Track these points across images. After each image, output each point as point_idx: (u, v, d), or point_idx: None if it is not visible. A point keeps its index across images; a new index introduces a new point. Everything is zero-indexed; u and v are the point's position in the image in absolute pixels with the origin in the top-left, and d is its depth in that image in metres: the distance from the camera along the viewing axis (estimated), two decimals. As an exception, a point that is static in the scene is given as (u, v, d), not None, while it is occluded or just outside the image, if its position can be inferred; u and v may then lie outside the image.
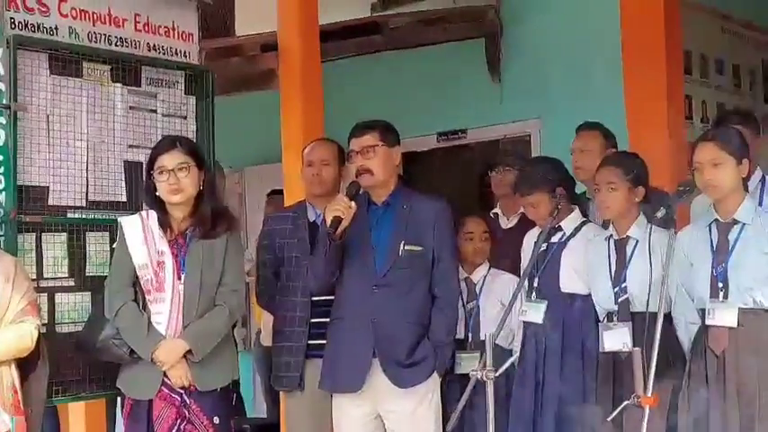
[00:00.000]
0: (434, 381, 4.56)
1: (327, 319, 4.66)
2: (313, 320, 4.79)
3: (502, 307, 4.86)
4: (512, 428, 4.63)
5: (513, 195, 5.49)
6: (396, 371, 4.47)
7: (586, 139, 5.13)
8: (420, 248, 4.53)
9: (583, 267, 4.61)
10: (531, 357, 4.66)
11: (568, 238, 4.70)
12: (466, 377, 4.65)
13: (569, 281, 4.62)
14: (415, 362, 4.49)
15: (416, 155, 7.70)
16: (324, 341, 4.67)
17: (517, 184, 4.85)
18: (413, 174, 7.35)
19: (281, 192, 7.02)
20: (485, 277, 5.01)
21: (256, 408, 8.17)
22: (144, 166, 4.67)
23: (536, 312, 4.64)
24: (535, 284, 4.68)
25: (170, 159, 4.36)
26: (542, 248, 4.64)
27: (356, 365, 4.49)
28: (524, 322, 4.72)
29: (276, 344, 4.98)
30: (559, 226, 4.70)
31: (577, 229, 4.71)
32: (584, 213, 4.87)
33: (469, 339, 4.91)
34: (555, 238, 4.70)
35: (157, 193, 4.39)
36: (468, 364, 4.78)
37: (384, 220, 4.60)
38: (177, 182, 4.34)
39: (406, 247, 4.52)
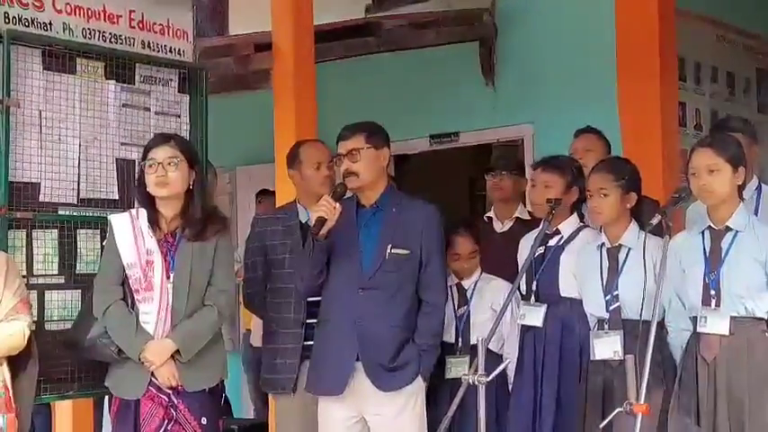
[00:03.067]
0: (418, 385, 4.53)
1: (320, 321, 4.66)
2: (308, 321, 4.76)
3: (493, 312, 4.86)
4: (511, 431, 4.64)
5: (508, 200, 5.52)
6: (379, 374, 4.45)
7: (589, 140, 5.18)
8: (407, 252, 4.52)
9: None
10: (529, 361, 4.66)
11: (566, 242, 4.70)
12: (455, 382, 4.66)
13: (568, 285, 4.62)
14: (399, 365, 4.46)
15: (408, 157, 7.71)
16: (318, 343, 4.66)
17: (543, 159, 4.82)
18: (404, 176, 7.36)
19: (269, 192, 7.01)
20: (476, 283, 5.01)
21: (244, 408, 8.16)
22: (136, 164, 4.66)
23: (535, 316, 4.64)
24: (534, 288, 4.68)
25: (160, 152, 4.35)
26: (540, 252, 4.64)
27: (339, 368, 4.47)
28: (522, 326, 4.71)
29: (268, 345, 4.96)
30: (557, 229, 4.70)
31: (575, 233, 4.71)
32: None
33: (459, 344, 4.91)
34: (553, 242, 4.70)
35: (148, 189, 4.37)
36: (458, 368, 4.78)
37: (372, 223, 4.58)
38: (165, 174, 4.31)
39: (392, 251, 4.50)
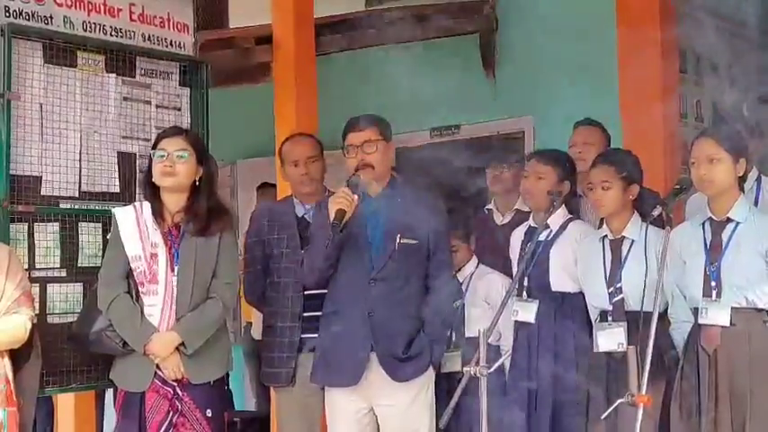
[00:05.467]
0: (430, 375, 4.53)
1: (319, 313, 4.63)
2: (305, 314, 4.78)
3: (487, 306, 4.87)
4: (506, 428, 4.63)
5: (508, 192, 5.52)
6: (393, 365, 4.43)
7: (589, 133, 5.19)
8: (415, 242, 4.51)
9: (571, 265, 4.61)
10: (523, 357, 4.66)
11: (556, 236, 4.69)
12: (449, 376, 4.67)
13: (559, 279, 4.63)
14: (412, 355, 4.46)
15: (409, 150, 7.70)
16: (316, 335, 4.65)
17: (537, 151, 4.84)
18: (405, 168, 7.34)
19: (270, 186, 7.01)
20: (471, 275, 5.01)
21: (246, 401, 8.16)
22: (137, 158, 4.69)
23: (528, 312, 4.65)
24: (525, 283, 4.68)
25: (171, 144, 4.39)
26: (531, 247, 4.64)
27: (354, 360, 4.45)
28: (516, 322, 4.71)
29: (267, 339, 4.97)
30: (546, 223, 4.69)
31: (564, 226, 4.71)
32: (576, 210, 4.87)
33: (452, 338, 4.91)
34: (542, 236, 4.69)
35: (153, 179, 4.38)
36: (452, 362, 4.78)
37: (378, 214, 4.57)
38: (172, 165, 4.35)
39: (402, 241, 4.49)
